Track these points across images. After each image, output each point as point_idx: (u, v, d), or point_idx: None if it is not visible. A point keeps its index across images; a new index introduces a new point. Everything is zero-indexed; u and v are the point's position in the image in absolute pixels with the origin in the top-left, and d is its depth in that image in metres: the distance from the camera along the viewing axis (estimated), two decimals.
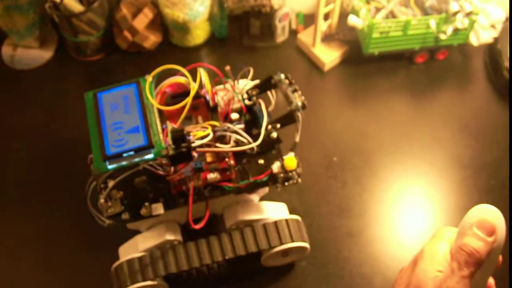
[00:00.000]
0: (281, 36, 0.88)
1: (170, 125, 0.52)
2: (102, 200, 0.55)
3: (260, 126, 0.56)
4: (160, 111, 0.55)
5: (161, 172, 0.53)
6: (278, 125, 0.56)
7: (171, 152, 0.49)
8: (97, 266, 0.66)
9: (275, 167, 0.57)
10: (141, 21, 0.84)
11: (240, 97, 0.59)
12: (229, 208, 0.63)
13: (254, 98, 0.59)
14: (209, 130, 0.52)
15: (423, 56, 0.88)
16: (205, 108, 0.59)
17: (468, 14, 0.82)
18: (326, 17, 0.85)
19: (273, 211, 0.64)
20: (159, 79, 0.57)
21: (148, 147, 0.49)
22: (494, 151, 0.79)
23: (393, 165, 0.77)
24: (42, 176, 0.76)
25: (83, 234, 0.70)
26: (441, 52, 0.88)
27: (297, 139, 0.56)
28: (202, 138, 0.52)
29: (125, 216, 0.56)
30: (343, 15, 0.85)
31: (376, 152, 0.79)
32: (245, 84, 0.60)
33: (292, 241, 0.61)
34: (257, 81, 0.61)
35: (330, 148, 0.79)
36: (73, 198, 0.72)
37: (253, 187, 0.59)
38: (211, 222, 0.60)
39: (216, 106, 0.58)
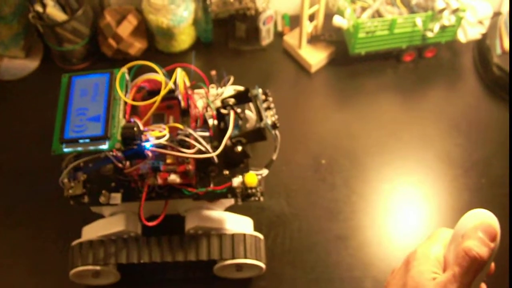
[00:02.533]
0: (266, 39, 0.88)
1: (137, 121, 0.51)
2: (65, 180, 0.57)
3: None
4: (134, 106, 0.55)
5: (119, 164, 0.54)
6: (244, 140, 0.55)
7: (122, 147, 0.50)
8: None
9: (236, 181, 0.57)
10: (126, 28, 0.84)
11: (212, 104, 0.58)
12: (191, 211, 0.63)
13: (229, 108, 0.57)
14: (166, 132, 0.52)
15: (411, 54, 0.87)
16: (178, 110, 0.59)
17: (455, 11, 0.81)
18: (312, 18, 0.85)
19: (234, 224, 0.64)
20: (138, 75, 0.56)
21: (104, 138, 0.50)
22: (484, 149, 0.78)
23: (382, 166, 0.77)
24: (29, 186, 0.75)
25: (70, 242, 0.69)
26: (429, 50, 0.87)
27: (274, 157, 0.56)
28: (158, 138, 0.52)
29: (84, 199, 0.58)
30: (329, 16, 0.84)
31: (365, 153, 0.78)
32: (221, 92, 0.60)
33: (245, 257, 0.61)
34: (235, 90, 0.60)
35: (318, 150, 0.78)
36: (59, 207, 0.72)
37: (212, 196, 0.59)
38: (174, 222, 0.61)
39: (187, 108, 0.58)
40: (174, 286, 0.68)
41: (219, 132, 0.57)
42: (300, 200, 0.73)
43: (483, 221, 0.38)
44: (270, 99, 0.56)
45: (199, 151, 0.53)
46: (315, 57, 0.85)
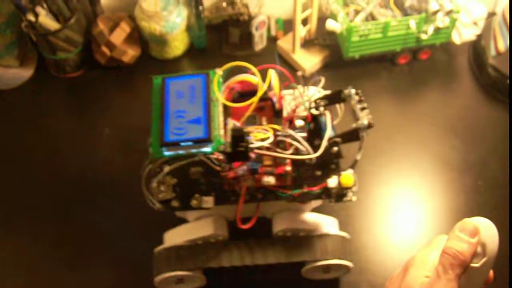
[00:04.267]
0: (259, 44, 0.88)
1: (231, 122, 0.51)
2: (154, 184, 0.55)
3: (322, 138, 0.54)
4: (224, 106, 0.54)
5: (216, 167, 0.53)
6: (340, 140, 0.55)
7: (228, 149, 0.49)
8: (83, 283, 0.66)
9: (331, 181, 0.56)
10: (118, 36, 0.84)
11: (307, 105, 0.57)
12: (279, 214, 0.63)
13: (321, 109, 0.57)
14: (270, 134, 0.51)
15: (406, 57, 0.87)
16: (270, 111, 0.59)
17: (449, 13, 0.80)
18: (305, 22, 0.84)
19: (322, 224, 0.63)
20: (228, 75, 0.56)
21: (207, 140, 0.49)
22: (480, 151, 0.78)
23: (378, 169, 0.76)
24: (26, 194, 0.75)
25: (67, 251, 0.70)
26: (423, 52, 0.87)
27: (359, 157, 0.54)
28: (262, 140, 0.51)
29: (175, 203, 0.56)
30: (322, 20, 0.84)
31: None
32: (314, 93, 0.59)
33: (336, 258, 0.61)
34: (327, 92, 0.60)
35: None
36: (57, 215, 0.73)
37: (306, 198, 0.58)
38: (259, 225, 0.59)
39: (281, 110, 0.58)
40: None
41: (310, 133, 0.57)
42: None
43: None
44: (363, 99, 0.55)
45: (297, 152, 0.53)
46: (309, 61, 0.85)
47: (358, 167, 0.76)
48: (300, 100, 0.58)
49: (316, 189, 0.56)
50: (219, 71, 0.54)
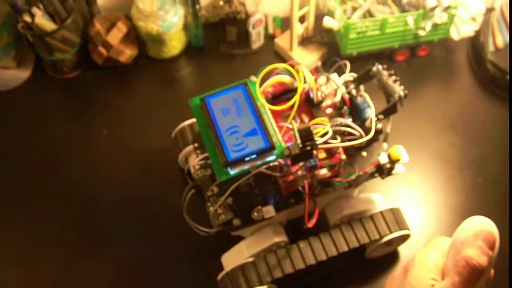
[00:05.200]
0: (256, 43, 0.87)
1: (293, 124, 0.50)
2: (211, 208, 0.54)
3: (359, 119, 0.56)
4: None
5: (276, 174, 0.53)
6: (382, 116, 0.56)
7: (296, 151, 0.48)
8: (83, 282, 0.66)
9: (382, 158, 0.56)
10: (115, 36, 0.83)
11: (344, 90, 0.58)
12: (331, 205, 0.63)
13: (353, 91, 0.59)
14: (328, 126, 0.51)
15: (404, 54, 0.86)
16: (305, 106, 0.59)
17: (447, 9, 0.80)
18: (302, 20, 0.84)
19: (373, 202, 0.64)
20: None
21: (270, 148, 0.48)
22: (480, 147, 0.77)
23: None
24: (24, 195, 0.75)
25: (66, 251, 0.70)
26: (422, 49, 0.86)
27: (388, 129, 0.57)
28: (322, 135, 0.51)
29: (237, 221, 0.55)
30: (320, 17, 0.84)
31: None
32: (344, 77, 0.60)
33: (392, 232, 0.61)
34: (353, 74, 0.61)
35: None
36: (56, 215, 0.73)
37: (360, 180, 0.58)
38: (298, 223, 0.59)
39: (320, 102, 0.58)
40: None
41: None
42: None
43: (482, 229, 0.38)
44: (393, 71, 0.57)
45: (348, 139, 0.54)
46: (307, 59, 0.85)
47: None
48: (333, 87, 0.59)
49: (370, 169, 0.57)
50: (255, 79, 0.54)
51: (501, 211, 0.70)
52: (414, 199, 0.73)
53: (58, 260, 0.69)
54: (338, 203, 0.62)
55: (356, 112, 0.58)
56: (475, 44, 0.86)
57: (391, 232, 0.61)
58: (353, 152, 0.58)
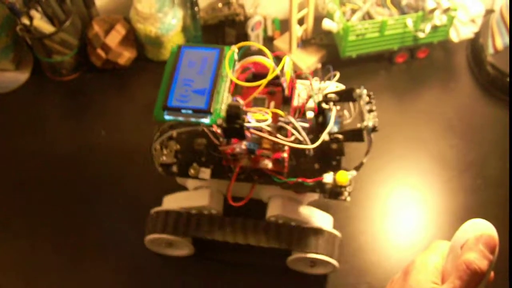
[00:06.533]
0: None
1: (235, 99, 0.51)
2: (157, 146, 0.57)
3: (321, 131, 0.56)
4: (236, 86, 0.55)
5: (215, 141, 0.54)
6: (342, 138, 0.55)
7: (223, 124, 0.50)
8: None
9: (327, 177, 0.56)
10: (114, 38, 0.83)
11: (316, 97, 0.58)
12: (275, 199, 0.63)
13: (331, 103, 0.57)
14: (269, 116, 0.52)
15: (403, 56, 0.86)
16: (281, 97, 0.59)
17: (446, 11, 0.80)
18: (301, 22, 0.84)
19: (315, 218, 0.63)
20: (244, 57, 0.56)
21: (206, 111, 0.50)
22: (480, 149, 0.77)
23: (375, 170, 0.75)
24: (24, 197, 0.75)
25: (67, 254, 0.69)
26: (421, 51, 0.86)
27: (365, 160, 0.54)
28: (259, 121, 0.51)
29: (174, 169, 0.58)
30: (319, 19, 0.84)
31: (357, 157, 0.76)
32: (325, 86, 0.59)
33: (319, 253, 0.61)
34: (341, 88, 0.60)
35: None
36: (56, 218, 0.72)
37: (300, 188, 0.58)
38: (254, 206, 0.61)
39: (290, 97, 0.58)
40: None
41: (316, 126, 0.57)
42: None
43: (483, 232, 0.38)
44: (373, 101, 0.55)
45: (297, 141, 0.53)
46: (306, 61, 0.85)
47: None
48: (310, 91, 0.58)
49: (310, 181, 0.56)
50: (234, 48, 0.54)
51: (501, 213, 0.69)
52: (413, 201, 0.73)
53: (55, 266, 0.69)
54: (281, 201, 0.62)
55: (325, 125, 0.57)
56: (475, 46, 0.86)
57: (313, 252, 0.60)
58: (305, 161, 0.57)
